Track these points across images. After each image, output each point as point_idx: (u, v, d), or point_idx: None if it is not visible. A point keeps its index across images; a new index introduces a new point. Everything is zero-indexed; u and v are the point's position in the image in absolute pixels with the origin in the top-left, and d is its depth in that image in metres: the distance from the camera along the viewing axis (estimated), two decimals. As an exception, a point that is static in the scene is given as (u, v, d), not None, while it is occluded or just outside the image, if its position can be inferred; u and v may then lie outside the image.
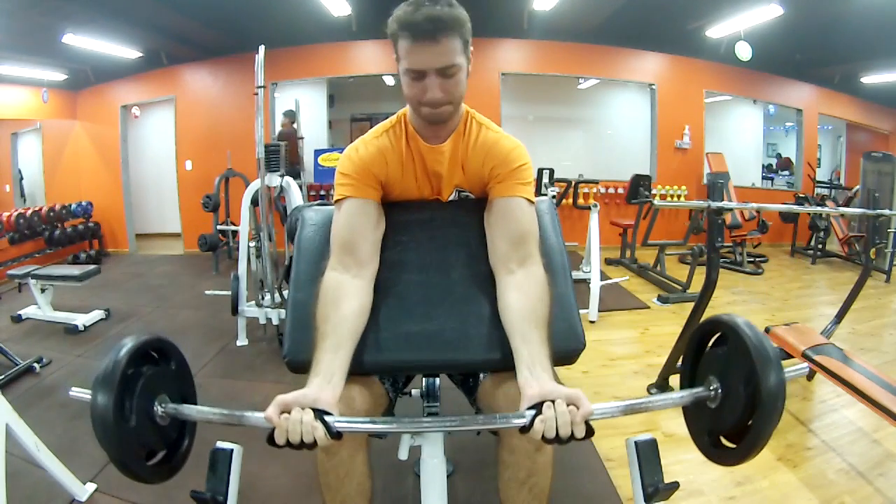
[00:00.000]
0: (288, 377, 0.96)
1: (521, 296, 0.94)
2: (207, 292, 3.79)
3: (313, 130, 5.91)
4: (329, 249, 1.03)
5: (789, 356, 2.19)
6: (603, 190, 5.90)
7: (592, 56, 5.79)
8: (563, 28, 5.27)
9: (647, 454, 1.02)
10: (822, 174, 7.25)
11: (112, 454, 0.75)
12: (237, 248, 3.59)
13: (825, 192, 6.60)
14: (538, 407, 0.74)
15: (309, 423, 0.73)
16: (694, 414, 0.91)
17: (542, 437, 0.73)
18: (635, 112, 6.25)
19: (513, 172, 1.04)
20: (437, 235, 1.10)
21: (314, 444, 0.73)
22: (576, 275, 3.74)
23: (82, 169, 6.05)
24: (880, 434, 1.93)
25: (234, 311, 2.86)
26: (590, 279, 3.45)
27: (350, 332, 0.91)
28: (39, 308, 3.28)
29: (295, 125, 5.34)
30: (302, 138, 5.02)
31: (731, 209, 2.41)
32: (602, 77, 6.08)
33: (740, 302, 3.96)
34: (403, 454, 0.99)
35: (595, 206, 3.98)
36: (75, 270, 3.36)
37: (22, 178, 6.57)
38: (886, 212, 2.92)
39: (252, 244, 3.00)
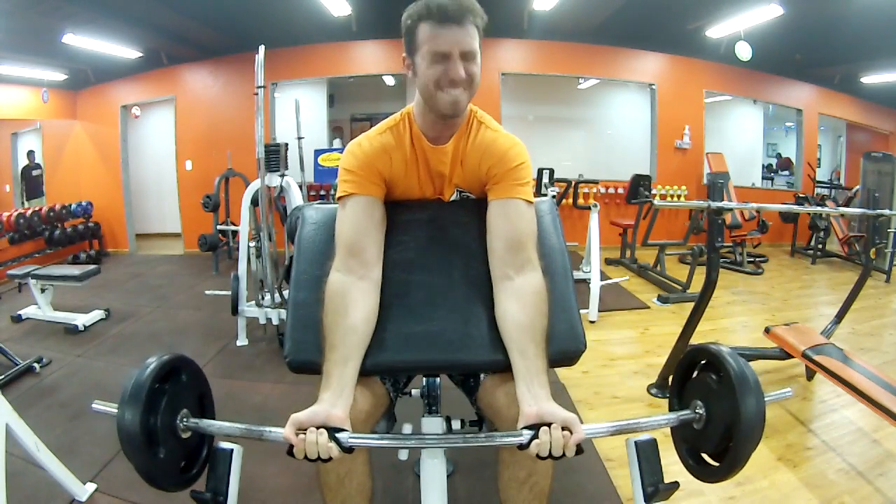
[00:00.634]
0: (288, 377, 0.96)
1: (520, 307, 0.94)
2: (207, 292, 3.79)
3: (313, 130, 5.91)
4: (331, 249, 1.03)
5: (789, 356, 2.20)
6: (603, 190, 5.90)
7: (592, 56, 5.79)
8: (563, 28, 5.27)
9: (647, 454, 1.02)
10: (822, 174, 7.25)
11: (140, 468, 0.82)
12: (237, 248, 3.59)
13: (825, 192, 6.60)
14: (536, 428, 0.80)
15: (324, 444, 0.79)
16: (680, 434, 0.98)
17: (537, 454, 0.80)
18: (635, 112, 6.25)
19: (510, 172, 1.04)
20: (438, 235, 1.10)
21: (329, 458, 0.80)
22: (576, 275, 3.74)
23: (82, 169, 6.05)
24: (880, 434, 1.93)
25: (234, 311, 2.86)
26: (590, 279, 3.45)
27: (358, 343, 0.93)
28: (39, 308, 3.28)
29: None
30: (302, 138, 5.04)
31: (731, 209, 2.41)
32: (602, 77, 6.08)
33: (740, 302, 3.96)
34: (403, 454, 1.00)
35: (595, 206, 3.98)
36: (75, 270, 3.36)
37: (31, 171, 6.50)
38: (886, 212, 2.92)
39: (252, 244, 3.00)
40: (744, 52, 4.84)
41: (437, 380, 1.26)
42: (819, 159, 7.24)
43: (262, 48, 2.71)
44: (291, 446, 0.82)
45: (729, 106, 6.93)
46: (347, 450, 0.80)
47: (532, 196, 1.05)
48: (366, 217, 1.02)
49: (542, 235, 1.08)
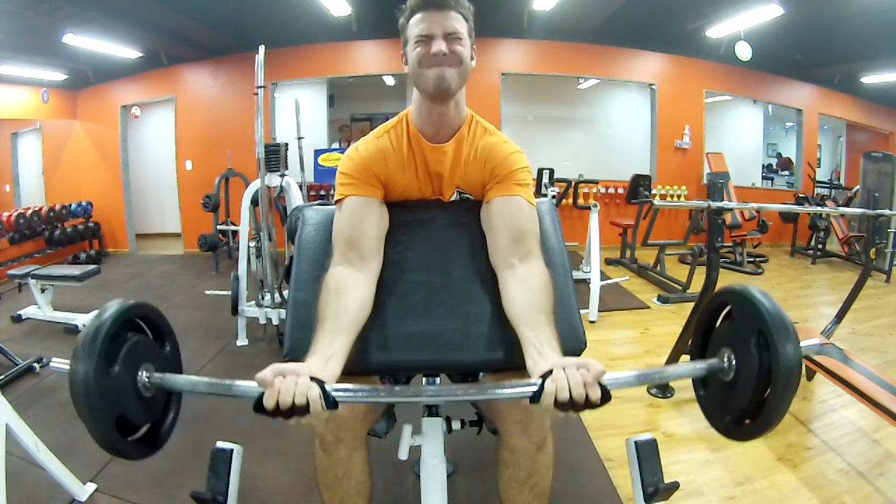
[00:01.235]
0: (288, 377, 0.96)
1: (525, 288, 0.94)
2: (207, 292, 3.79)
3: (313, 130, 5.92)
4: (331, 250, 1.03)
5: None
6: (603, 190, 5.90)
7: (592, 56, 5.79)
8: (563, 28, 5.27)
9: (647, 454, 1.02)
10: (822, 174, 7.26)
11: (92, 427, 0.71)
12: (237, 248, 3.59)
13: (825, 192, 6.60)
14: (547, 375, 0.72)
15: (304, 385, 0.69)
16: (706, 388, 0.89)
17: (556, 402, 0.69)
18: (635, 112, 6.25)
19: (512, 174, 1.05)
20: (437, 235, 1.10)
21: (306, 409, 0.69)
22: (576, 275, 3.74)
23: (82, 169, 6.05)
24: (880, 434, 1.93)
25: (234, 311, 2.85)
26: (590, 279, 3.45)
27: (351, 321, 0.90)
28: (39, 308, 3.28)
29: None
30: (302, 138, 5.05)
31: (731, 209, 2.41)
32: (602, 77, 6.08)
33: (740, 302, 3.96)
34: (403, 454, 0.99)
35: (595, 206, 3.98)
36: (75, 270, 3.36)
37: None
38: (886, 212, 2.92)
39: (252, 244, 3.00)
40: (744, 52, 4.84)
41: (437, 380, 1.26)
42: (819, 159, 7.24)
43: (262, 48, 2.71)
44: (261, 398, 0.70)
45: (729, 106, 6.93)
46: (331, 403, 0.70)
47: (533, 199, 1.06)
48: (363, 214, 1.03)
49: (542, 236, 1.08)
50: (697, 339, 0.91)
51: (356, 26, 4.95)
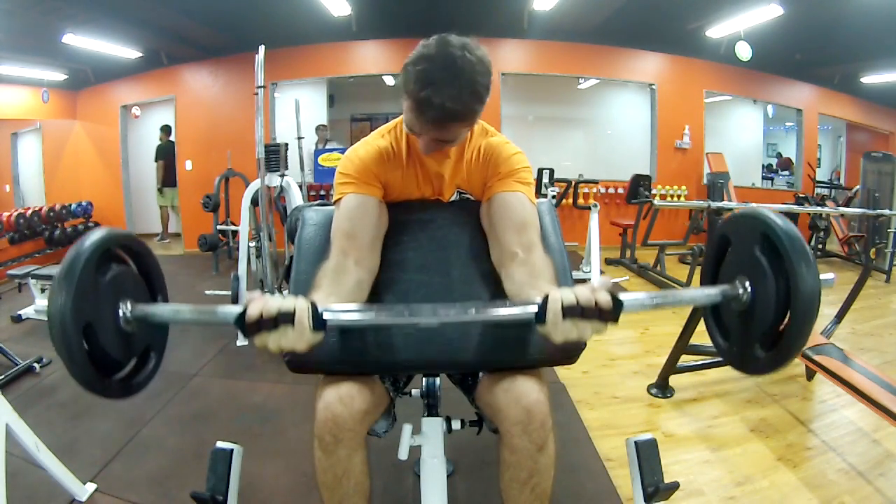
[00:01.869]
0: (288, 377, 0.96)
1: (527, 268, 0.95)
2: (207, 292, 3.78)
3: (313, 130, 5.92)
4: (329, 249, 1.03)
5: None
6: (603, 190, 5.90)
7: (592, 56, 5.79)
8: (563, 28, 5.27)
9: (647, 454, 1.02)
10: (822, 174, 7.26)
11: (69, 363, 0.67)
12: (237, 248, 3.59)
13: (825, 192, 6.60)
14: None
15: (292, 299, 0.66)
16: (719, 319, 0.86)
17: (563, 313, 0.65)
18: (635, 112, 6.25)
19: (514, 172, 1.06)
20: (437, 235, 1.10)
21: (291, 319, 0.66)
22: (576, 275, 3.74)
23: (82, 169, 6.05)
24: (880, 434, 1.93)
25: (234, 311, 2.85)
26: (590, 279, 3.44)
27: (346, 295, 0.91)
28: (39, 308, 3.28)
29: (172, 138, 5.79)
30: (302, 138, 5.06)
31: (731, 209, 2.41)
32: (602, 77, 6.08)
33: (740, 302, 3.96)
34: (403, 454, 0.99)
35: (595, 206, 3.98)
36: (75, 270, 3.36)
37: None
38: (886, 212, 2.93)
39: (252, 244, 3.01)
40: (744, 52, 4.84)
41: (437, 380, 1.26)
42: (819, 159, 7.24)
43: (262, 48, 2.71)
44: (244, 313, 0.66)
45: (729, 106, 6.93)
46: (319, 323, 0.67)
47: (534, 198, 1.06)
48: (362, 210, 1.04)
49: (541, 235, 1.08)
50: (709, 268, 0.87)
51: (356, 26, 4.95)
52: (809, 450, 1.86)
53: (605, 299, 0.65)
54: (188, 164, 5.82)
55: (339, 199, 1.05)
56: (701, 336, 2.43)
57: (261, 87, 2.70)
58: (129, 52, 5.01)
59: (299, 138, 3.43)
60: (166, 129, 6.07)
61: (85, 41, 4.44)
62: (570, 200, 4.91)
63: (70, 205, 5.51)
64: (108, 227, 0.76)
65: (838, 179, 7.44)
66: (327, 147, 5.88)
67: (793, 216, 5.64)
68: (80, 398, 2.26)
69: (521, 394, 0.93)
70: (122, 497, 1.59)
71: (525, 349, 0.97)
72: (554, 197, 4.42)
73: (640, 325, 3.30)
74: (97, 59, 5.08)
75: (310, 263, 1.07)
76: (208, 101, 5.74)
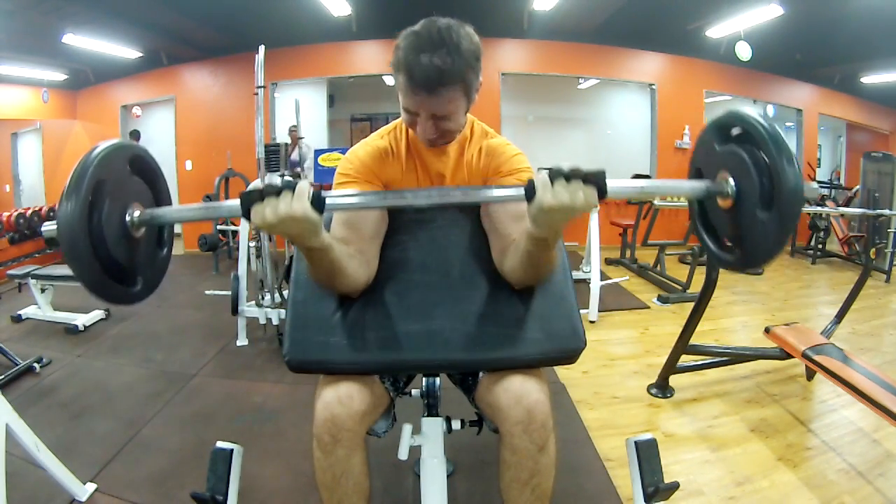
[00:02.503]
0: (288, 377, 0.97)
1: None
2: (207, 292, 3.78)
3: (313, 130, 5.92)
4: None
5: (789, 356, 2.20)
6: (603, 190, 5.89)
7: (592, 56, 5.79)
8: (563, 28, 5.27)
9: (647, 454, 1.02)
10: (822, 174, 7.25)
11: (78, 267, 0.68)
12: (237, 248, 3.59)
13: (825, 192, 6.59)
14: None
15: (294, 180, 0.70)
16: (704, 215, 0.89)
17: (550, 180, 0.70)
18: (635, 112, 6.25)
19: (514, 171, 1.06)
20: (437, 235, 1.10)
21: (293, 188, 0.71)
22: (576, 275, 3.73)
23: (82, 169, 6.05)
24: (880, 434, 1.93)
25: (234, 311, 2.85)
26: (590, 279, 3.45)
27: (351, 274, 0.93)
28: (39, 308, 3.28)
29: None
30: (302, 138, 5.05)
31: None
32: (602, 77, 6.08)
33: (740, 302, 3.96)
34: (403, 454, 0.99)
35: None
36: (75, 270, 3.36)
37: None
38: (886, 212, 2.93)
39: (252, 244, 3.00)
40: (744, 52, 4.84)
41: (437, 380, 1.26)
42: (819, 159, 7.24)
43: (262, 48, 2.71)
44: (249, 194, 0.70)
45: (729, 106, 6.93)
46: (320, 201, 0.72)
47: None
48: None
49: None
50: (697, 163, 0.88)
51: (356, 26, 4.95)
52: (809, 450, 1.86)
53: (588, 170, 0.70)
54: (188, 164, 5.82)
55: None
56: (701, 336, 2.44)
57: (261, 87, 2.70)
58: (129, 52, 5.01)
59: (300, 138, 3.43)
60: (135, 135, 6.11)
61: (85, 41, 4.44)
62: (570, 200, 4.90)
63: (70, 205, 5.50)
64: (113, 139, 0.78)
65: (838, 179, 7.44)
66: (302, 151, 5.61)
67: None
68: (80, 398, 2.27)
69: (522, 394, 0.93)
70: (122, 497, 1.59)
71: (525, 349, 0.97)
72: (554, 197, 4.42)
73: (640, 325, 3.30)
74: (97, 59, 5.08)
75: (310, 263, 1.07)
76: (208, 101, 5.74)
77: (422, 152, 1.09)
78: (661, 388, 2.30)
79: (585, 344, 1.01)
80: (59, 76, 5.46)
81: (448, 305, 1.01)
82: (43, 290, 3.27)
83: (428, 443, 1.06)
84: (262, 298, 2.86)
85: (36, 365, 2.54)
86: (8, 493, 1.32)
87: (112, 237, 0.72)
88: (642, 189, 0.79)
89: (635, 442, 1.08)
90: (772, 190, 0.72)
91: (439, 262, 1.07)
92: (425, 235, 1.10)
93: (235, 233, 4.85)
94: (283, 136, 3.44)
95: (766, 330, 2.30)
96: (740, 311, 3.73)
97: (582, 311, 1.14)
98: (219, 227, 5.07)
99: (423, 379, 1.25)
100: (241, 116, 5.31)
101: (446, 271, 1.06)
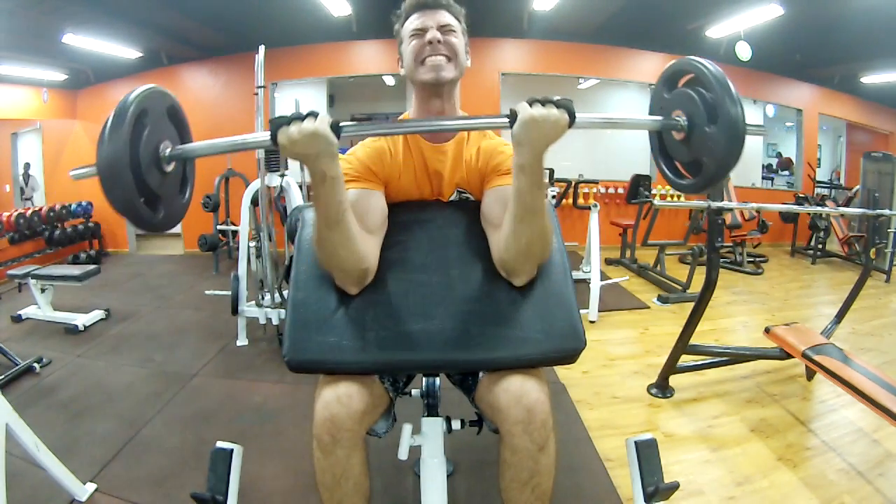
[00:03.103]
0: (288, 377, 0.97)
1: None
2: (207, 292, 3.79)
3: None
4: None
5: (789, 356, 2.20)
6: (603, 190, 5.90)
7: (592, 56, 5.79)
8: (563, 28, 5.27)
9: (647, 454, 1.02)
10: (822, 174, 7.25)
11: (121, 202, 0.76)
12: (237, 248, 3.59)
13: (825, 192, 6.60)
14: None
15: (316, 110, 0.82)
16: (663, 146, 1.05)
17: (529, 105, 0.85)
18: (635, 112, 6.25)
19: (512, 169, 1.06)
20: (437, 235, 1.10)
21: (316, 116, 0.81)
22: (576, 275, 3.74)
23: (82, 169, 6.04)
24: (880, 434, 1.93)
25: (234, 311, 2.85)
26: (590, 279, 3.45)
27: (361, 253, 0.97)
28: (39, 308, 3.28)
29: None
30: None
31: (731, 209, 2.42)
32: (602, 77, 6.08)
33: (740, 302, 3.96)
34: (403, 454, 0.99)
35: (595, 206, 3.98)
36: (75, 270, 3.36)
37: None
38: (886, 212, 2.92)
39: (252, 244, 3.00)
40: (744, 52, 4.84)
41: (437, 380, 1.27)
42: (819, 159, 7.24)
43: (262, 48, 2.71)
44: (277, 120, 0.81)
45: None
46: (337, 128, 0.82)
47: None
48: (365, 197, 1.06)
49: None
50: (657, 101, 1.03)
51: (356, 26, 4.94)
52: (809, 450, 1.86)
53: (558, 97, 0.86)
54: (188, 164, 5.81)
55: None
56: (701, 336, 2.44)
57: (261, 87, 2.70)
58: (129, 52, 5.01)
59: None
60: (26, 166, 6.25)
61: (85, 41, 4.44)
62: (570, 200, 4.90)
63: (70, 205, 5.50)
64: (148, 84, 0.85)
65: (838, 179, 7.44)
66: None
67: (793, 216, 5.67)
68: (80, 398, 2.27)
69: (522, 393, 0.93)
70: (122, 497, 1.59)
71: (525, 349, 0.97)
72: (554, 197, 4.42)
73: (640, 326, 3.30)
74: (97, 59, 5.07)
75: (310, 263, 1.07)
76: (208, 101, 5.74)
77: (422, 151, 1.09)
78: (661, 388, 2.30)
79: (585, 344, 1.01)
80: (59, 76, 5.45)
81: (448, 305, 1.01)
82: (43, 290, 3.27)
83: (428, 443, 1.06)
84: (262, 298, 2.86)
85: (36, 365, 2.54)
86: (8, 493, 1.32)
87: (146, 162, 0.80)
88: (606, 121, 0.95)
89: (635, 442, 1.08)
90: (716, 112, 0.85)
91: (439, 262, 1.07)
92: (425, 235, 1.10)
93: (235, 233, 4.85)
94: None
95: (766, 330, 2.30)
96: (740, 311, 3.73)
97: (582, 311, 1.14)
98: (219, 227, 5.07)
99: (423, 379, 1.25)
100: (241, 116, 5.30)
101: (446, 271, 1.06)
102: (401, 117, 1.14)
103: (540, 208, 0.93)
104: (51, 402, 2.25)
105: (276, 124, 0.81)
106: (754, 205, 2.80)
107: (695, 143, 0.90)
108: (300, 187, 3.02)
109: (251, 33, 4.45)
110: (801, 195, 6.01)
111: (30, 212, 4.98)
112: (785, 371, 2.50)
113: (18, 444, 1.42)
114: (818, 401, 2.26)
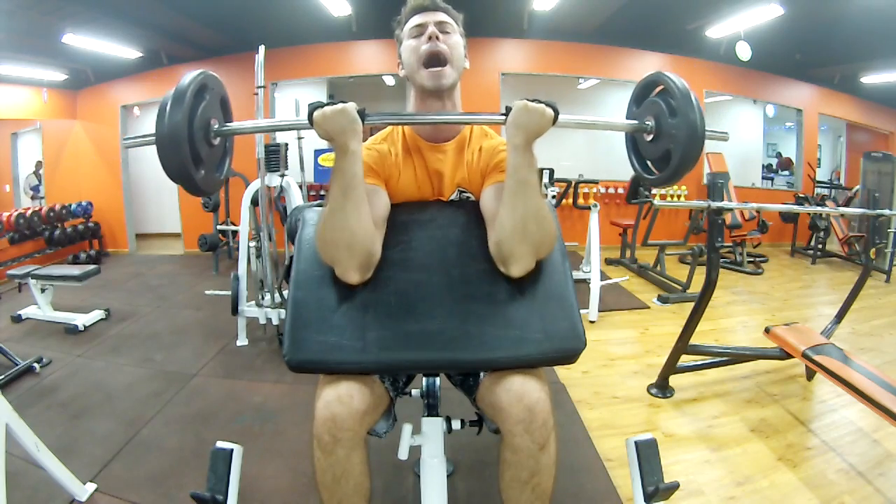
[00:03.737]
0: (288, 377, 0.97)
1: None
2: (207, 292, 3.79)
3: (313, 130, 5.90)
4: None
5: (789, 356, 2.20)
6: (603, 190, 5.90)
7: (592, 56, 5.79)
8: (563, 28, 5.27)
9: (647, 454, 1.02)
10: (822, 174, 7.25)
11: (178, 167, 0.90)
12: (237, 248, 3.59)
13: (825, 192, 6.60)
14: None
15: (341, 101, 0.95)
16: (636, 146, 1.19)
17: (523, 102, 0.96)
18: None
19: None
20: (437, 235, 1.10)
21: (344, 103, 0.95)
22: (576, 275, 3.74)
23: (82, 169, 6.05)
24: (880, 434, 1.93)
25: (234, 311, 2.85)
26: (590, 279, 3.45)
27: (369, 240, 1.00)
28: (39, 308, 3.28)
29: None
30: (302, 138, 5.05)
31: (731, 209, 2.42)
32: (602, 77, 6.08)
33: (740, 302, 3.96)
34: (403, 454, 0.99)
35: (595, 206, 3.98)
36: (75, 270, 3.36)
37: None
38: (886, 212, 2.92)
39: (252, 244, 3.00)
40: (744, 52, 4.84)
41: (437, 380, 1.26)
42: (819, 159, 7.24)
43: (262, 48, 2.71)
44: (314, 105, 0.95)
45: (729, 106, 6.92)
46: (363, 114, 0.96)
47: None
48: (368, 192, 1.05)
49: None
50: (633, 107, 1.18)
51: (356, 26, 4.95)
52: (809, 450, 1.86)
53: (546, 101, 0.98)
54: (188, 164, 5.81)
55: None
56: (701, 336, 2.44)
57: (261, 87, 2.71)
58: (129, 52, 5.01)
59: (299, 138, 3.43)
60: (38, 164, 6.36)
61: (85, 41, 4.44)
62: (570, 200, 4.90)
63: (70, 205, 5.50)
64: (201, 69, 1.00)
65: (838, 179, 7.44)
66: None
67: (793, 216, 5.67)
68: (80, 398, 2.27)
69: (523, 393, 0.93)
70: (122, 497, 1.59)
71: (525, 349, 0.97)
72: (554, 197, 4.42)
73: (640, 326, 3.30)
74: (97, 59, 5.08)
75: (310, 263, 1.08)
76: None
77: (422, 151, 1.10)
78: (661, 388, 2.30)
79: (585, 344, 1.01)
80: (59, 76, 5.45)
81: (448, 305, 1.01)
82: (43, 290, 3.27)
83: (428, 443, 1.06)
84: (262, 298, 2.86)
85: (36, 365, 2.54)
86: (8, 493, 1.32)
87: (198, 132, 0.94)
88: (580, 122, 1.06)
89: (635, 442, 1.08)
90: (677, 114, 1.00)
91: (439, 262, 1.07)
92: (425, 235, 1.10)
93: (235, 233, 4.85)
94: (283, 136, 3.43)
95: (766, 330, 2.30)
96: (740, 311, 3.73)
97: (582, 311, 1.14)
98: (219, 227, 5.07)
99: (423, 379, 1.25)
100: (241, 116, 5.19)
101: (446, 271, 1.06)
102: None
103: (533, 185, 0.97)
104: (51, 402, 2.25)
105: (313, 107, 0.95)
106: (754, 205, 2.81)
107: (662, 141, 1.05)
108: (300, 187, 3.02)
109: (251, 33, 4.45)
110: (801, 195, 6.01)
111: (30, 212, 4.98)
112: (785, 371, 2.50)
113: (18, 444, 1.42)
114: (818, 401, 2.26)
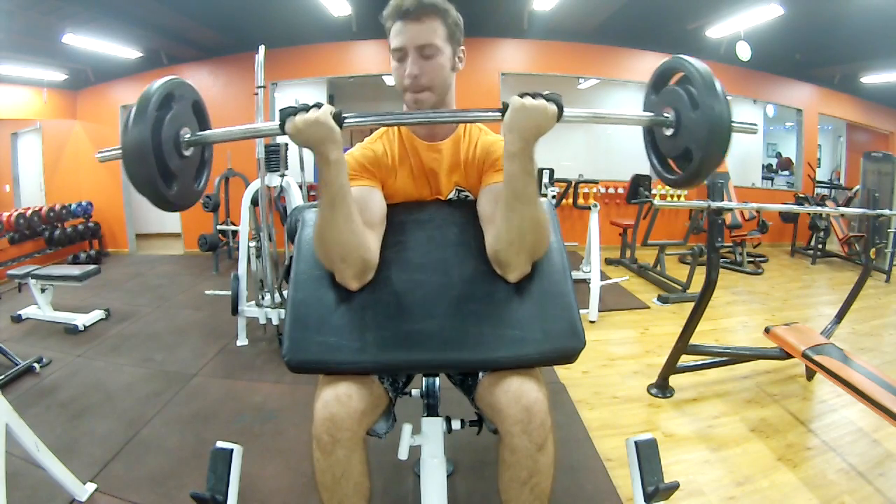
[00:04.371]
0: (288, 377, 0.97)
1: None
2: (207, 292, 3.79)
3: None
4: None
5: (789, 356, 2.20)
6: (603, 190, 5.90)
7: (592, 56, 5.79)
8: (563, 28, 5.27)
9: (647, 454, 1.02)
10: (822, 174, 7.25)
11: (145, 182, 0.84)
12: (237, 248, 3.59)
13: (825, 192, 6.60)
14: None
15: (321, 102, 0.88)
16: (654, 141, 1.06)
17: (520, 97, 0.89)
18: (635, 112, 6.24)
19: None
20: (436, 235, 1.10)
21: (321, 106, 0.88)
22: (576, 275, 3.74)
23: (82, 169, 6.04)
24: (880, 434, 1.93)
25: (234, 311, 2.85)
26: (590, 279, 3.45)
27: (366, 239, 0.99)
28: (39, 308, 3.28)
29: None
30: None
31: (731, 209, 2.42)
32: (602, 77, 6.08)
33: (740, 302, 3.96)
34: (403, 454, 0.99)
35: (595, 206, 3.98)
36: (75, 270, 3.36)
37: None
38: (886, 212, 2.92)
39: (252, 244, 3.00)
40: (744, 52, 4.84)
41: (437, 380, 1.26)
42: (819, 159, 7.24)
43: (262, 48, 2.71)
44: (286, 110, 0.87)
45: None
46: (340, 118, 0.88)
47: None
48: (366, 193, 1.06)
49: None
50: (650, 97, 1.06)
51: (356, 26, 4.95)
52: (809, 450, 1.86)
53: (546, 93, 0.90)
54: (188, 164, 5.81)
55: None
56: (701, 336, 2.44)
57: (261, 87, 2.70)
58: (129, 52, 5.01)
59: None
60: None
61: (85, 41, 4.44)
62: (570, 200, 4.90)
63: (70, 205, 5.50)
64: (170, 76, 0.93)
65: (838, 179, 7.44)
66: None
67: (793, 216, 5.67)
68: (80, 398, 2.27)
69: (521, 393, 0.93)
70: (122, 497, 1.59)
71: (525, 349, 0.97)
72: (554, 197, 4.42)
73: (640, 326, 3.30)
74: (97, 59, 5.08)
75: (310, 263, 1.07)
76: (208, 101, 5.44)
77: (417, 150, 1.10)
78: (661, 388, 2.30)
79: (585, 343, 1.01)
80: (59, 76, 5.45)
81: (447, 305, 1.01)
82: (43, 290, 3.27)
83: (428, 443, 1.06)
84: (262, 298, 2.86)
85: (36, 365, 2.54)
86: (8, 493, 1.32)
87: (167, 144, 0.87)
88: (595, 115, 0.97)
89: (635, 442, 1.08)
90: (698, 102, 0.88)
91: (438, 262, 1.07)
92: (424, 235, 1.10)
93: (235, 233, 4.85)
94: (282, 136, 3.46)
95: (766, 330, 2.30)
96: (740, 311, 3.73)
97: (582, 311, 1.14)
98: (219, 227, 5.07)
99: (423, 379, 1.25)
100: (241, 116, 5.30)
101: (445, 271, 1.06)
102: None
103: (530, 196, 0.94)
104: (51, 402, 2.25)
105: (285, 114, 0.88)
106: (754, 205, 2.80)
107: (683, 135, 0.93)
108: (300, 187, 3.02)
109: (251, 33, 4.45)
110: (801, 195, 6.01)
111: (30, 212, 4.98)
112: (785, 371, 2.50)
113: (18, 444, 1.42)
114: (818, 401, 2.26)
